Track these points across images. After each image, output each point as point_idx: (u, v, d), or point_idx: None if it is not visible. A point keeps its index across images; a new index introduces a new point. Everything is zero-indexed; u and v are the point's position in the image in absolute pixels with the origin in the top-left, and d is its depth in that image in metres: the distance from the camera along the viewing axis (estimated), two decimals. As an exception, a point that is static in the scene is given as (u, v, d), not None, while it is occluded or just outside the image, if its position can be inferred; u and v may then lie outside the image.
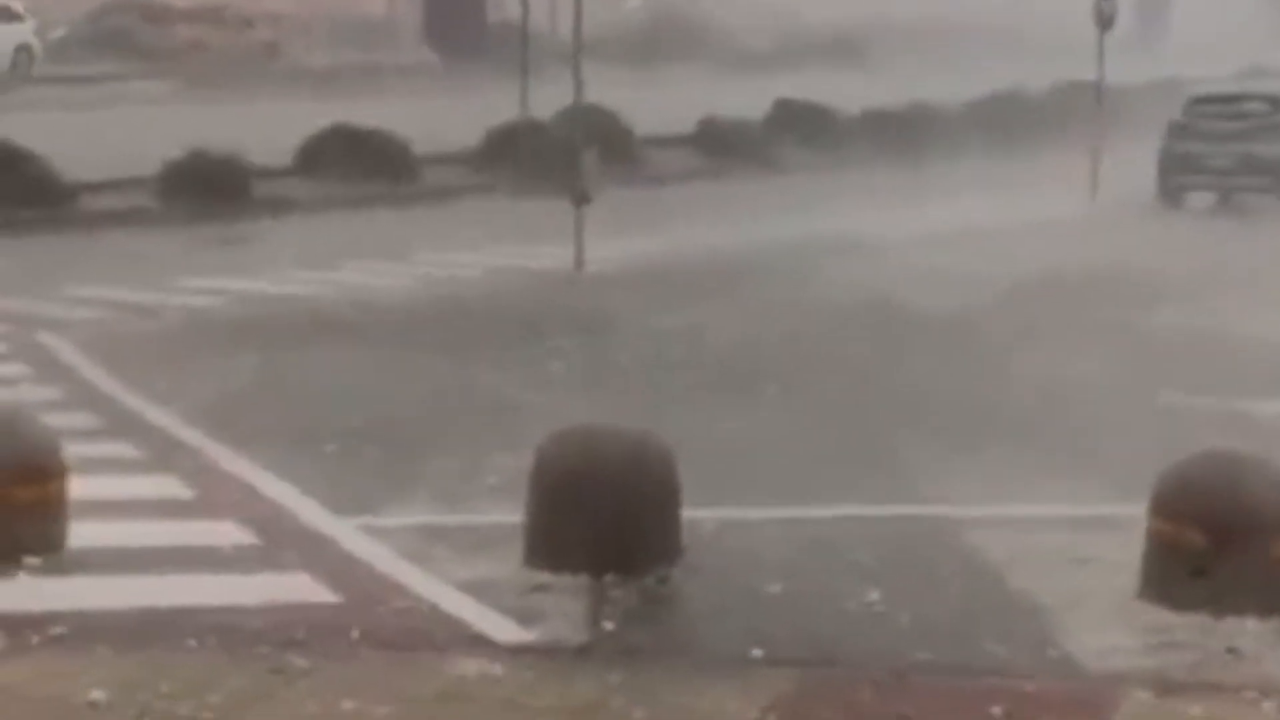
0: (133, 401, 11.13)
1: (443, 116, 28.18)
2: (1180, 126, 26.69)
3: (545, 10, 36.02)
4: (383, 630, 6.72)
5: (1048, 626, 6.76)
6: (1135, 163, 26.55)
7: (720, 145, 29.52)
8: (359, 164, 24.32)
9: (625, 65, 36.68)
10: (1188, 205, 26.52)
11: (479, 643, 6.60)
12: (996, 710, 5.65)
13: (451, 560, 7.68)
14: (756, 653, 6.38)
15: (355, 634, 6.66)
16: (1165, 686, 5.94)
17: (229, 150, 22.61)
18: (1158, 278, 18.20)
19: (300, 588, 7.29)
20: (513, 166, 25.29)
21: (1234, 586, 6.70)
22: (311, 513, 8.47)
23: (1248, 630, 6.57)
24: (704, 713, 5.62)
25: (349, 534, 8.11)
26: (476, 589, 7.23)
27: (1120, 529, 7.56)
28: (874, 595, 7.09)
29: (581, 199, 18.26)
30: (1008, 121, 32.31)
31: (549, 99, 25.69)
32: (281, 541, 7.98)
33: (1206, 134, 26.41)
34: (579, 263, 18.29)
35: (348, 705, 5.73)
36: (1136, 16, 45.77)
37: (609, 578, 7.22)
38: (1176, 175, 26.55)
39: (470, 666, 6.20)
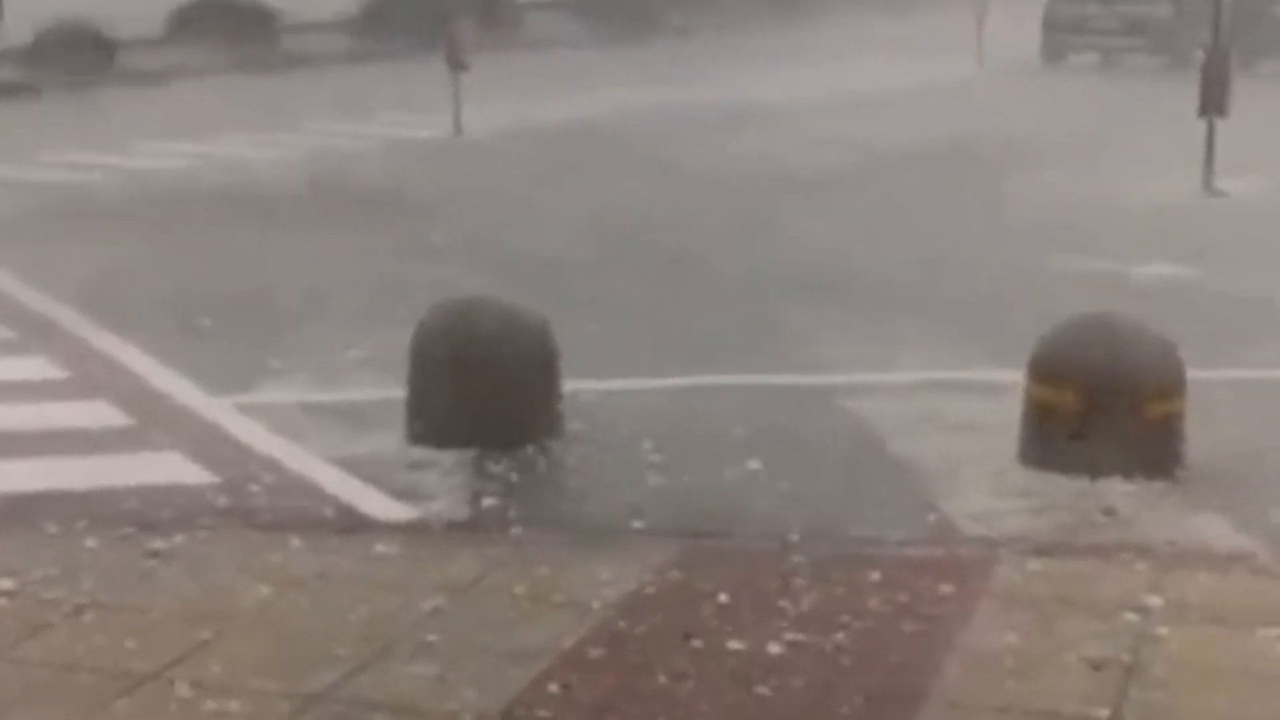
0: (1, 281, 10.88)
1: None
2: (1063, -12, 26.73)
3: None
4: (261, 510, 6.63)
5: (926, 492, 6.79)
6: (1019, 24, 26.59)
7: (603, 9, 29.20)
8: (231, 32, 23.79)
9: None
10: (1070, 66, 26.64)
11: (359, 521, 6.53)
12: (875, 576, 5.68)
13: (331, 438, 7.57)
14: (637, 524, 6.36)
15: (232, 514, 6.56)
16: (1042, 549, 6.00)
17: (97, 19, 22.05)
18: (1043, 139, 18.29)
19: (175, 468, 7.16)
20: (389, 33, 24.87)
21: (1110, 449, 6.76)
22: (186, 392, 8.33)
23: (1124, 492, 6.64)
24: (585, 585, 5.60)
25: (225, 412, 7.98)
26: (356, 466, 7.14)
27: (1001, 393, 7.59)
28: (754, 464, 7.09)
29: (458, 66, 18.00)
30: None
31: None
32: (155, 421, 7.84)
33: (1088, -5, 26.45)
34: (457, 131, 18.07)
35: (226, 585, 5.65)
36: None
37: (490, 452, 7.17)
38: (1059, 36, 26.65)
39: (351, 545, 6.13)
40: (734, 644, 5.11)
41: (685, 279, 11.22)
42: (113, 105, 20.60)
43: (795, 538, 6.11)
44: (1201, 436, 7.01)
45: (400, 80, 22.00)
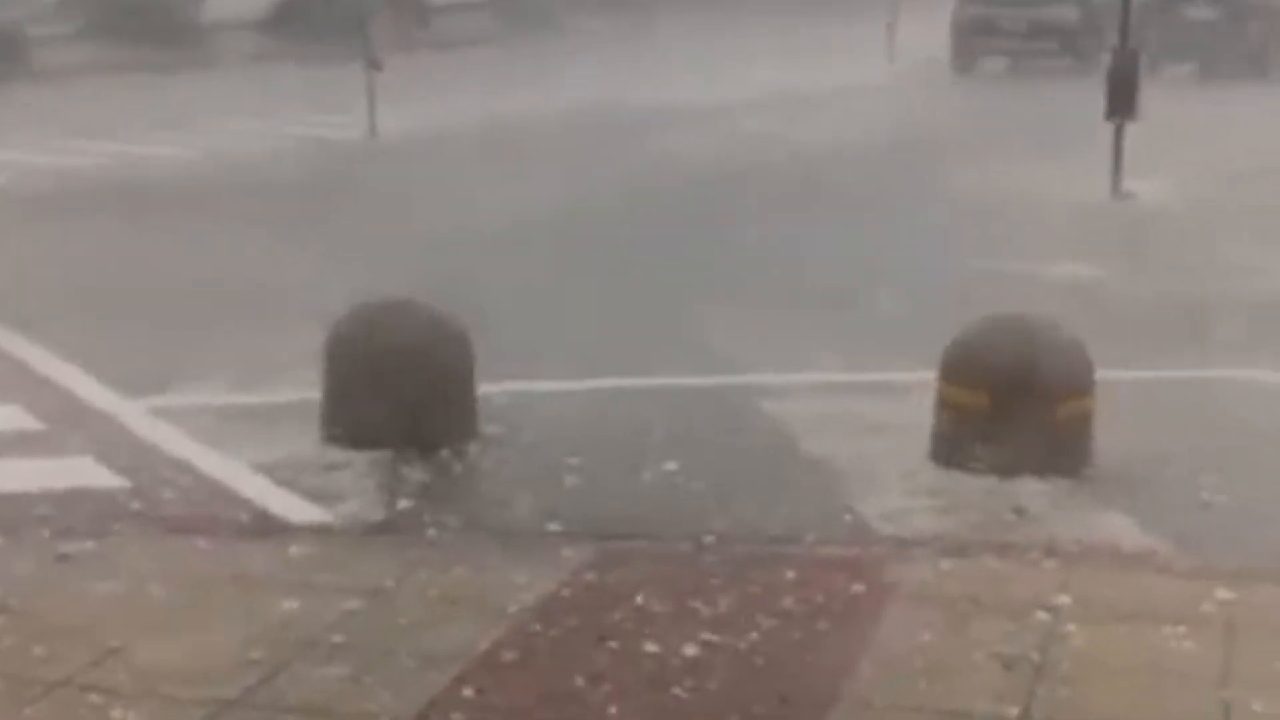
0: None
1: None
2: (972, -8, 27.05)
3: None
4: (174, 514, 6.58)
5: (841, 492, 6.85)
6: (930, 28, 26.83)
7: (517, 9, 29.19)
8: (145, 30, 23.59)
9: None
10: (980, 70, 26.91)
11: (274, 524, 6.50)
12: (790, 575, 5.72)
13: (245, 440, 7.53)
14: (554, 526, 6.37)
15: (146, 518, 6.51)
16: (953, 547, 6.06)
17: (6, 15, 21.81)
18: (953, 142, 18.46)
19: (87, 472, 7.09)
20: (303, 32, 24.74)
21: (1021, 449, 6.84)
22: (98, 394, 8.25)
23: (1033, 491, 6.72)
24: (500, 587, 5.60)
25: (137, 416, 7.92)
26: (271, 469, 7.11)
27: (916, 393, 7.64)
28: (671, 466, 7.12)
29: (373, 65, 17.96)
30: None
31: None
32: (66, 425, 7.77)
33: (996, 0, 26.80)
34: (372, 131, 18.01)
35: (138, 590, 5.60)
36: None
37: (405, 455, 7.15)
38: (967, 40, 26.93)
39: (265, 548, 6.10)
40: (650, 646, 5.13)
41: (604, 280, 11.24)
42: (24, 102, 20.36)
43: (711, 539, 6.14)
44: (1110, 437, 7.10)
45: (314, 80, 21.89)
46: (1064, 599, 5.49)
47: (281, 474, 7.03)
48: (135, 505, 6.68)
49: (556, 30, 28.83)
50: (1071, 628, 5.27)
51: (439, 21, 27.46)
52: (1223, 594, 5.52)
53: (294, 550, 6.04)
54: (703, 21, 29.75)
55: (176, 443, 7.50)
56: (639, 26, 28.98)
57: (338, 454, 7.23)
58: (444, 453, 7.23)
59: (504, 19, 28.78)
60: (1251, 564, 5.90)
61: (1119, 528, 6.44)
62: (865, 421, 7.79)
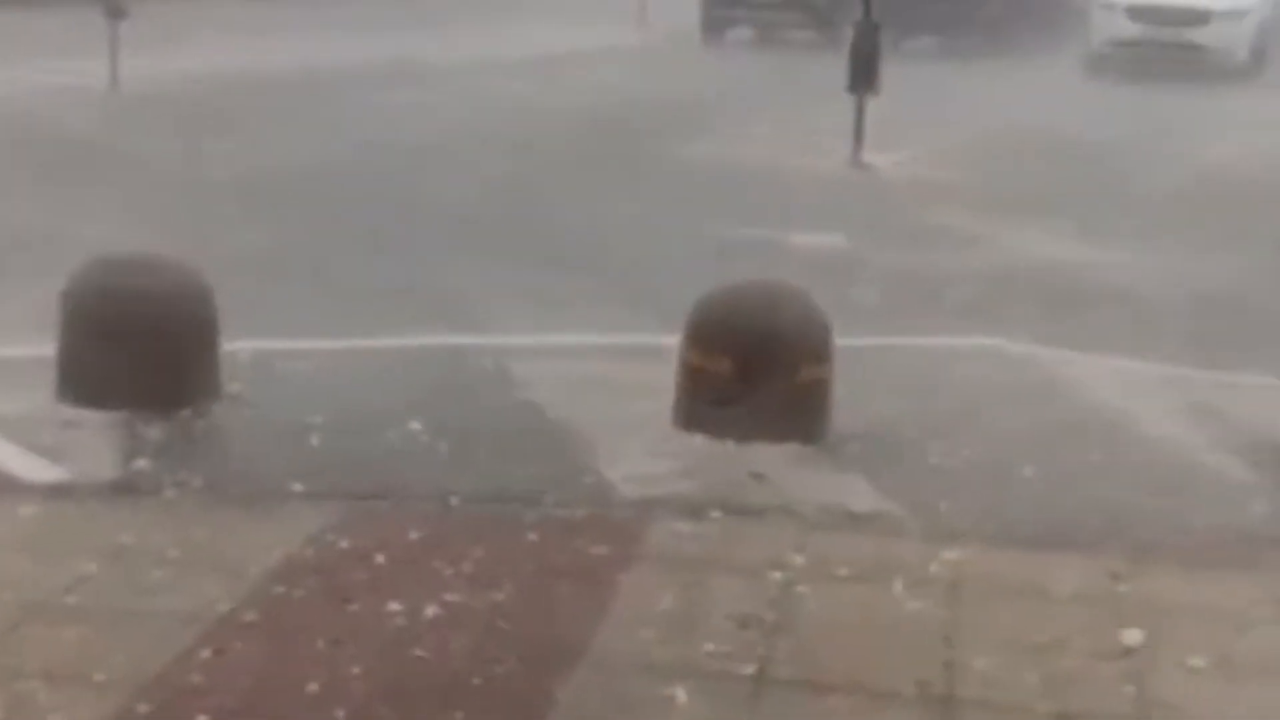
0: None
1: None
2: (722, -35, 27.44)
3: None
4: (-103, 472, 6.36)
5: (585, 455, 6.92)
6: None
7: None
8: None
9: None
10: (729, 39, 27.31)
11: (4, 482, 6.32)
12: (532, 537, 5.78)
13: (-27, 396, 7.30)
14: (297, 486, 6.32)
15: None
16: (693, 510, 6.17)
17: None
18: (700, 109, 18.70)
19: None
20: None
21: (761, 414, 6.98)
22: None
23: (772, 455, 6.86)
24: (241, 549, 5.55)
25: None
26: (2, 425, 6.90)
27: (662, 357, 7.74)
28: (416, 426, 7.11)
29: (115, 12, 17.47)
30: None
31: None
32: None
33: (746, -29, 27.20)
34: (113, 81, 17.53)
35: None
36: None
37: (144, 413, 7.01)
38: (718, 10, 27.30)
39: (-6, 507, 5.94)
40: (392, 606, 5.14)
41: (351, 239, 11.14)
42: None
43: (455, 500, 6.16)
44: (848, 403, 7.30)
45: (55, 26, 21.22)
46: (799, 560, 5.64)
47: (12, 431, 6.83)
48: None
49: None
50: (805, 588, 5.42)
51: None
52: (949, 554, 5.73)
53: (25, 510, 5.90)
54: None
55: (-99, 398, 7.24)
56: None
57: (73, 412, 7.05)
58: (185, 412, 7.10)
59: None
60: (975, 525, 6.13)
61: (854, 490, 6.62)
62: (613, 385, 7.87)
